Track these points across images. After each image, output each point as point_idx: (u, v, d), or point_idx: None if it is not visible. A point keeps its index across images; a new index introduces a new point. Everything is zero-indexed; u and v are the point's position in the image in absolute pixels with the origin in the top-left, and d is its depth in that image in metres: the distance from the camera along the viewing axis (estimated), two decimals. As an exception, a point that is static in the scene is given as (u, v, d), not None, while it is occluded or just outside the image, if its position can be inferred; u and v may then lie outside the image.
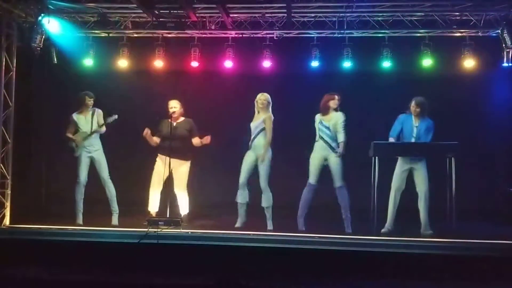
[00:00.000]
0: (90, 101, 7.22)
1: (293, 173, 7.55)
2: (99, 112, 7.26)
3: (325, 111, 6.92)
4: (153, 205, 7.28)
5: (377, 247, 6.30)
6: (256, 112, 7.10)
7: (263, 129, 6.95)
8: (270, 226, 6.98)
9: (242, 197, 7.03)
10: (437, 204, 6.72)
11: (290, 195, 7.15)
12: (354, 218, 6.87)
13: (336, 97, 6.92)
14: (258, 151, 6.97)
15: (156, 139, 7.27)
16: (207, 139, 7.17)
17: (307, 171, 6.92)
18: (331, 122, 6.85)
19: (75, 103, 7.27)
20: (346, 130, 6.80)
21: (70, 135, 7.20)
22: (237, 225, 7.04)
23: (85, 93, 7.23)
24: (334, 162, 6.82)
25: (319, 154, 6.90)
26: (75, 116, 7.21)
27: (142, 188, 7.40)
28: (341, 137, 6.80)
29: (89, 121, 7.17)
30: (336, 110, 6.91)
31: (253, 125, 7.05)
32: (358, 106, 7.80)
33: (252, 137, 7.02)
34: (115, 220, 7.23)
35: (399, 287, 5.72)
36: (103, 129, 7.21)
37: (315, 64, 7.52)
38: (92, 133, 7.14)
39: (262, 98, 7.04)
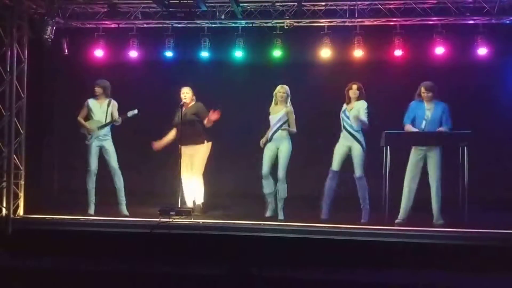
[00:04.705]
0: (98, 89, 7.23)
1: (306, 163, 7.52)
2: (114, 104, 7.28)
3: (347, 100, 6.92)
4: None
5: (390, 237, 6.28)
6: (273, 103, 7.09)
7: (286, 122, 6.98)
8: (281, 216, 7.02)
9: (267, 187, 7.08)
10: (449, 194, 6.66)
11: (304, 186, 7.11)
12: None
13: (354, 86, 6.88)
14: (279, 143, 7.00)
15: (165, 139, 7.30)
16: (213, 115, 7.11)
17: (318, 161, 6.90)
18: (352, 112, 6.82)
19: (89, 92, 7.29)
20: (369, 118, 6.76)
21: (81, 120, 7.25)
22: (268, 214, 7.09)
23: (95, 82, 7.26)
24: (356, 153, 6.80)
25: (342, 144, 6.89)
26: (90, 101, 7.27)
27: (156, 179, 7.42)
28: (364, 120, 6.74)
29: (104, 111, 7.20)
30: (357, 99, 6.87)
31: (273, 117, 7.04)
32: (369, 95, 7.74)
33: (273, 130, 7.01)
34: (124, 209, 7.26)
35: (411, 277, 5.70)
36: (119, 121, 7.22)
37: (325, 53, 7.47)
38: (107, 124, 7.17)
39: (282, 90, 7.04)
